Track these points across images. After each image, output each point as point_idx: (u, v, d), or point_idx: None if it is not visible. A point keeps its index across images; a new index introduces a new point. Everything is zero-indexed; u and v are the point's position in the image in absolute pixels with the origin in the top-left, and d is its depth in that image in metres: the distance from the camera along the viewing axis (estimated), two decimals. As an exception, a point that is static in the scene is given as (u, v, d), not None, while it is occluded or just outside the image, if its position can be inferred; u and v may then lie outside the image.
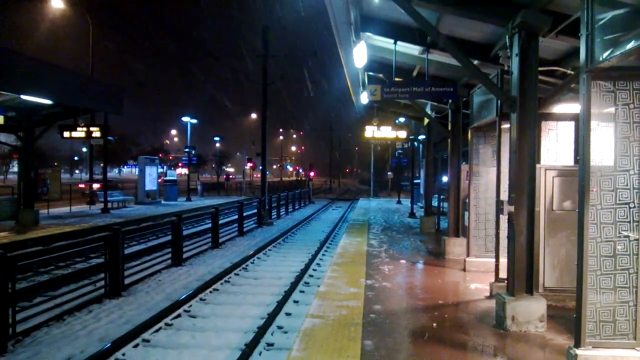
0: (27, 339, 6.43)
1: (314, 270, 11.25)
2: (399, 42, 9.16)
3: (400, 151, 31.85)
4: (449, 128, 11.44)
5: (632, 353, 4.27)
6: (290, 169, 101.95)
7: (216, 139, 55.06)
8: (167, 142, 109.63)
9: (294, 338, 5.45)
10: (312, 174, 55.67)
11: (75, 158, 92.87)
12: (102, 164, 29.22)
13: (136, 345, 6.31)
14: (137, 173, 30.05)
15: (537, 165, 6.33)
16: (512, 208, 5.89)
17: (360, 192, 54.67)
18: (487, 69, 7.99)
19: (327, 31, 8.92)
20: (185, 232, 12.43)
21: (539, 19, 5.52)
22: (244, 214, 18.03)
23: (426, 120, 15.84)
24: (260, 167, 24.56)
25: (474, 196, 9.02)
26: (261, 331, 6.71)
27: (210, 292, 9.16)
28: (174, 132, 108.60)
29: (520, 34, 5.63)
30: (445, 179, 15.81)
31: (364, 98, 13.85)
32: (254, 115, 75.47)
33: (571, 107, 7.56)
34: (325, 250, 14.06)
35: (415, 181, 26.22)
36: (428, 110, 14.38)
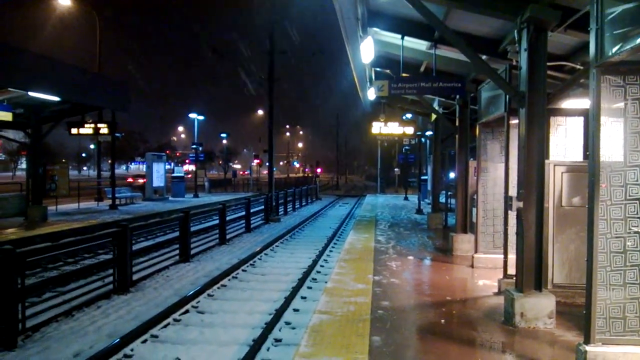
0: (37, 334, 6.49)
1: (321, 266, 11.27)
2: (406, 38, 9.13)
3: (407, 147, 31.76)
4: (457, 124, 11.38)
5: (643, 350, 4.22)
6: (297, 165, 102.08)
7: (223, 135, 54.87)
8: (174, 138, 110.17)
9: (302, 334, 5.45)
10: (318, 170, 55.72)
11: (83, 155, 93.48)
12: (109, 161, 29.36)
13: (145, 341, 6.35)
14: (144, 170, 30.18)
15: (546, 161, 6.28)
16: (520, 204, 5.85)
17: (367, 189, 54.58)
18: (496, 64, 7.92)
19: (335, 27, 8.87)
20: (192, 229, 12.48)
21: (548, 13, 5.46)
22: (251, 211, 18.08)
23: (433, 116, 15.75)
24: (267, 164, 24.59)
25: (481, 192, 8.97)
26: (269, 327, 6.74)
27: (218, 288, 9.20)
28: (180, 128, 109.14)
29: (529, 28, 5.57)
30: (452, 175, 15.76)
31: (371, 94, 13.83)
32: (260, 112, 75.53)
33: (580, 102, 7.50)
34: (333, 247, 14.08)
35: (423, 177, 26.15)
36: (435, 106, 14.32)
